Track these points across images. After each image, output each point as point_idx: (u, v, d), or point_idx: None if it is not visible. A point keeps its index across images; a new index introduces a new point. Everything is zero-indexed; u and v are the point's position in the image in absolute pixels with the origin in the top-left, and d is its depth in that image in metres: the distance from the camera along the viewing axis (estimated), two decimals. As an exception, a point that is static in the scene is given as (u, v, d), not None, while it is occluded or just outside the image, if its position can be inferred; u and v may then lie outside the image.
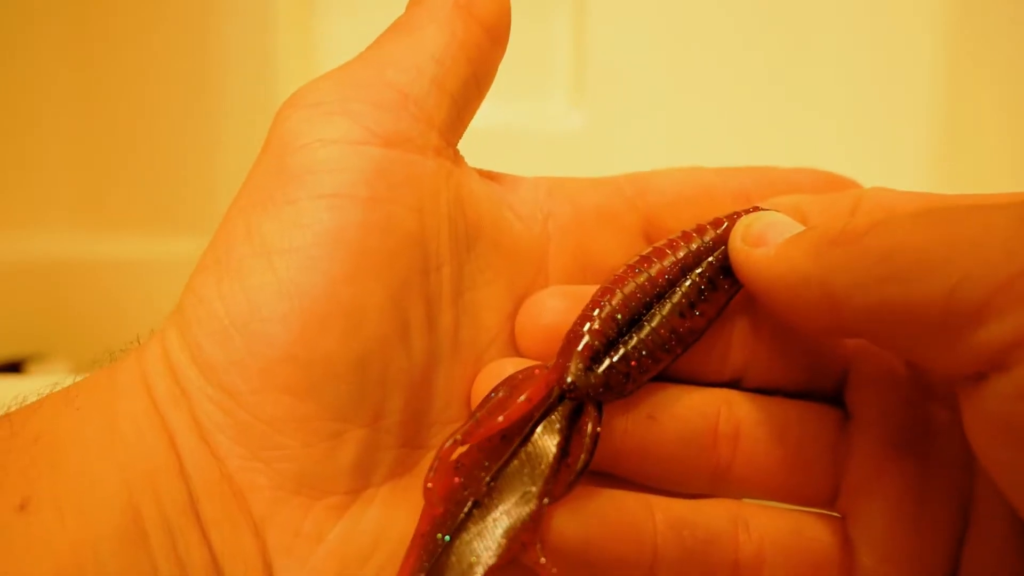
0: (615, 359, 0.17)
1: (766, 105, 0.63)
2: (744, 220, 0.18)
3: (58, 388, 0.18)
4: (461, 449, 0.17)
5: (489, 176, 0.22)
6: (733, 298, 0.19)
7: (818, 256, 0.16)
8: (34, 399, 0.18)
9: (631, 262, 0.19)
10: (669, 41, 0.62)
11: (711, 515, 0.18)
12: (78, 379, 0.18)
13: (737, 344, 0.19)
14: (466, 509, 0.17)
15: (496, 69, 0.21)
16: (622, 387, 0.17)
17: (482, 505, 0.17)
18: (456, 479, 0.17)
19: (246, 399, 0.16)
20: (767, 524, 0.18)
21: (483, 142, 0.69)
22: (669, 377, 0.19)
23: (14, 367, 0.58)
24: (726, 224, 0.19)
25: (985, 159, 0.62)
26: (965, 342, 0.13)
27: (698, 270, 0.18)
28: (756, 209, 0.19)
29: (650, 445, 0.18)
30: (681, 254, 0.19)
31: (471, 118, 0.20)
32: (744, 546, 0.18)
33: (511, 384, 0.18)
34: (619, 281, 0.18)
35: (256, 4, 0.61)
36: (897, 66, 0.62)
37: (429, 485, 0.17)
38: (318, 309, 0.17)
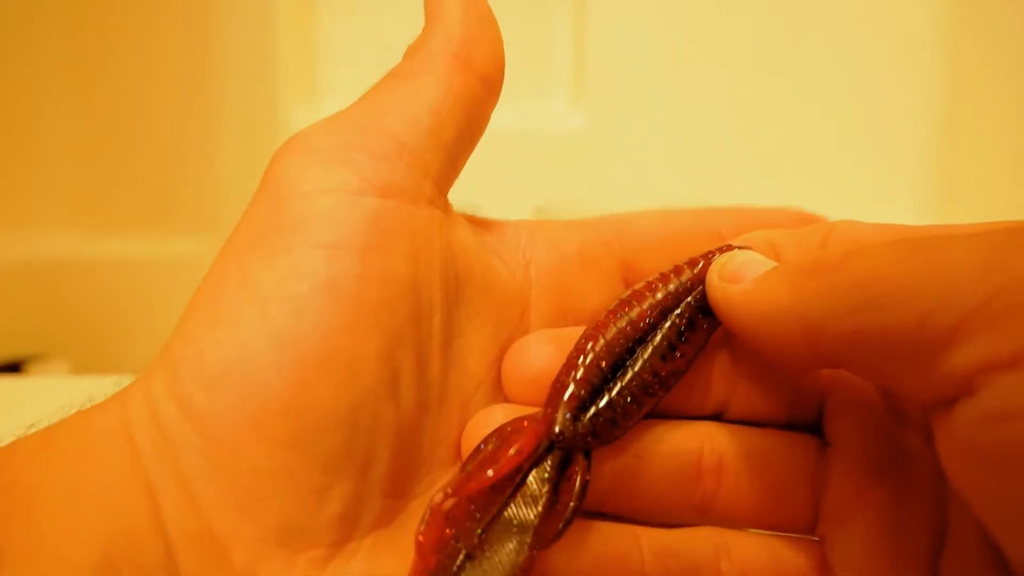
0: (600, 406, 0.18)
1: (766, 105, 0.63)
2: (720, 259, 0.19)
3: (34, 430, 0.17)
4: (451, 501, 0.17)
5: (474, 221, 0.22)
6: (710, 337, 0.19)
7: (793, 288, 0.16)
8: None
9: (612, 307, 0.19)
10: (669, 41, 0.62)
11: (694, 543, 0.19)
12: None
13: (718, 378, 0.19)
14: (458, 561, 0.17)
15: (489, 117, 0.21)
16: (609, 433, 0.18)
17: (474, 557, 0.17)
18: (447, 531, 0.17)
19: (235, 449, 0.16)
20: (748, 550, 0.19)
21: (483, 142, 0.69)
22: (654, 414, 0.19)
23: (14, 367, 0.58)
24: (702, 263, 0.19)
25: (985, 158, 0.62)
26: (936, 368, 0.14)
27: (677, 311, 0.19)
28: (730, 248, 0.19)
29: (637, 483, 0.19)
30: (660, 296, 0.19)
31: (463, 165, 0.21)
32: (726, 572, 0.18)
33: (500, 436, 0.18)
34: (601, 327, 0.19)
35: (256, 4, 0.61)
36: (897, 65, 0.62)
37: (420, 538, 0.17)
38: (313, 360, 0.17)
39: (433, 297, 0.19)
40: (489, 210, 0.44)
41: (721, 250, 0.19)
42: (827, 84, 0.62)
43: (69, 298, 0.60)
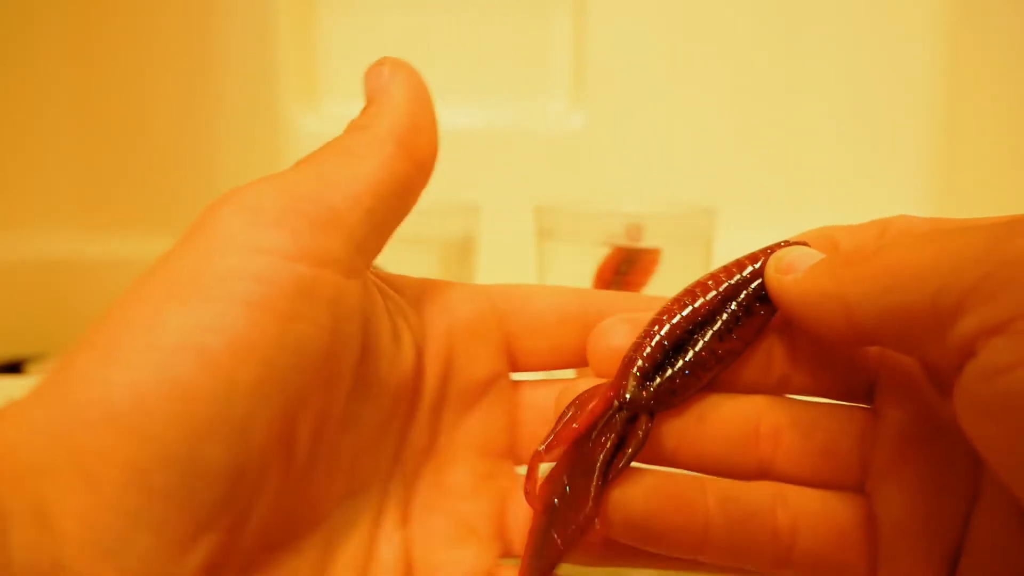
0: (664, 377, 0.21)
1: (766, 105, 0.63)
2: (777, 253, 0.21)
3: None
4: (551, 454, 0.21)
5: (381, 278, 0.23)
6: (768, 322, 0.22)
7: (834, 276, 0.19)
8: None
9: (678, 295, 0.22)
10: (669, 41, 0.62)
11: (754, 492, 0.21)
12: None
13: (778, 359, 0.22)
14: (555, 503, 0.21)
15: (419, 198, 0.22)
16: (669, 400, 0.21)
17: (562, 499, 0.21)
18: (546, 486, 0.21)
19: (110, 492, 0.16)
20: (802, 501, 0.21)
21: (484, 142, 0.69)
22: (718, 387, 0.22)
23: (14, 367, 0.58)
24: (761, 260, 0.22)
25: (985, 157, 0.62)
26: (947, 337, 0.16)
27: (736, 299, 0.22)
28: (788, 244, 0.22)
29: (700, 443, 0.21)
30: (722, 288, 0.22)
31: (389, 238, 0.22)
32: (781, 518, 0.21)
33: (580, 400, 0.21)
34: (668, 311, 0.22)
35: (256, 4, 0.61)
36: (897, 66, 0.62)
37: (536, 491, 0.21)
38: (210, 415, 0.17)
39: (344, 368, 0.19)
40: (489, 210, 0.44)
41: (780, 246, 0.22)
42: (827, 84, 0.62)
43: (69, 298, 0.60)
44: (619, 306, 0.24)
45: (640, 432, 0.21)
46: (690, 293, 0.22)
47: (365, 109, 0.21)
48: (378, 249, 0.21)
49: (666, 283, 0.23)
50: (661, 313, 0.22)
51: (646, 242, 0.40)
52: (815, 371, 0.22)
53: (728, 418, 0.21)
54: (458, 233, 0.38)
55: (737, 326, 0.21)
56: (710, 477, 0.21)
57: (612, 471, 0.20)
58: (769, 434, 0.21)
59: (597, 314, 0.23)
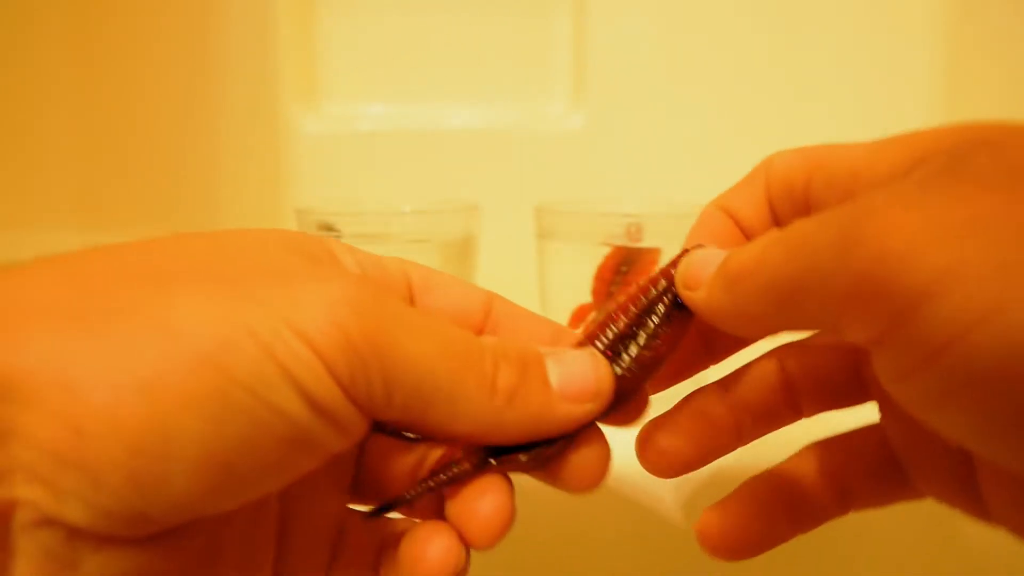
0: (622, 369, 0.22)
1: (766, 105, 0.63)
2: (680, 268, 0.22)
3: None
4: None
5: None
6: (689, 324, 0.23)
7: (730, 292, 0.20)
8: None
9: (600, 320, 0.23)
10: (669, 41, 0.62)
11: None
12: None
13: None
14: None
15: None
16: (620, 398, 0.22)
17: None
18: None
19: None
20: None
21: (484, 142, 0.69)
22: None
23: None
24: (663, 280, 0.23)
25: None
26: (844, 341, 0.17)
27: (654, 313, 0.23)
28: (687, 252, 0.22)
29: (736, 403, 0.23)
30: (637, 307, 0.23)
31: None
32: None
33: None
34: (592, 337, 0.22)
35: (256, 4, 0.61)
36: (898, 67, 0.62)
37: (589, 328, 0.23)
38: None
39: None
40: (489, 209, 0.44)
41: (681, 257, 0.23)
42: (827, 85, 0.62)
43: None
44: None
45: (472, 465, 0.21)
46: (609, 319, 0.23)
47: None
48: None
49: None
50: (586, 338, 0.23)
51: (646, 242, 0.40)
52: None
53: (750, 380, 0.23)
54: (458, 233, 0.38)
55: (659, 335, 0.22)
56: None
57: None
58: (788, 382, 0.23)
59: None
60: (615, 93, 0.62)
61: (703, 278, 0.21)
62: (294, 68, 0.62)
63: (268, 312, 0.16)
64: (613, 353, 0.22)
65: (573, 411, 0.20)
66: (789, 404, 0.24)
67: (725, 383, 0.24)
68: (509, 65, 0.63)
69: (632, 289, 0.23)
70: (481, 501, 0.20)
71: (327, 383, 0.16)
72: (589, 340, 0.22)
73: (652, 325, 0.22)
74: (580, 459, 0.20)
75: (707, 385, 0.24)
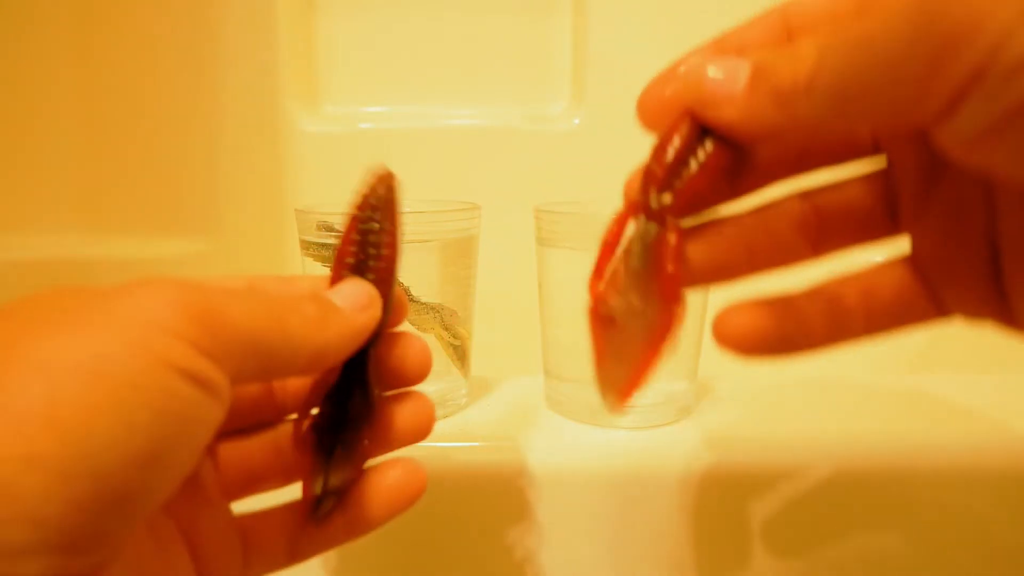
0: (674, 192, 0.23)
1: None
2: (695, 83, 0.21)
3: None
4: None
5: None
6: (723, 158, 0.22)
7: (783, 107, 0.19)
8: None
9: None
10: (669, 41, 0.62)
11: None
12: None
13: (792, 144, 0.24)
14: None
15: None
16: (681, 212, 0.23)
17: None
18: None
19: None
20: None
21: (483, 142, 0.69)
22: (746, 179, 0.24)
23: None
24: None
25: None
26: (934, 84, 0.17)
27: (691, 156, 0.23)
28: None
29: (757, 238, 0.24)
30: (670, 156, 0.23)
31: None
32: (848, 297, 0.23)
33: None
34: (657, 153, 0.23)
35: (256, 5, 0.61)
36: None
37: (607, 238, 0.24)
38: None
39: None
40: (489, 209, 0.44)
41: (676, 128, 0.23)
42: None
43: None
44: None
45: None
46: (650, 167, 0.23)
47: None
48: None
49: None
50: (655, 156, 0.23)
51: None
52: (815, 148, 0.24)
53: (774, 215, 0.23)
54: (458, 233, 0.38)
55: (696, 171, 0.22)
56: None
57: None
58: (809, 216, 0.23)
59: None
60: (615, 93, 0.62)
61: (733, 92, 0.20)
62: (294, 68, 0.63)
63: (128, 326, 0.19)
64: (665, 181, 0.22)
65: (360, 318, 0.24)
66: (808, 239, 0.24)
67: (748, 211, 0.24)
68: (509, 65, 0.63)
69: (660, 138, 0.23)
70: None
71: (197, 358, 0.19)
72: (647, 185, 0.23)
73: (697, 159, 0.22)
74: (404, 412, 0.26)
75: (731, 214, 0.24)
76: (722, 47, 0.25)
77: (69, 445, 0.17)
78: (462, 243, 0.38)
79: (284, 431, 0.27)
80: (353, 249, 0.26)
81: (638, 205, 0.23)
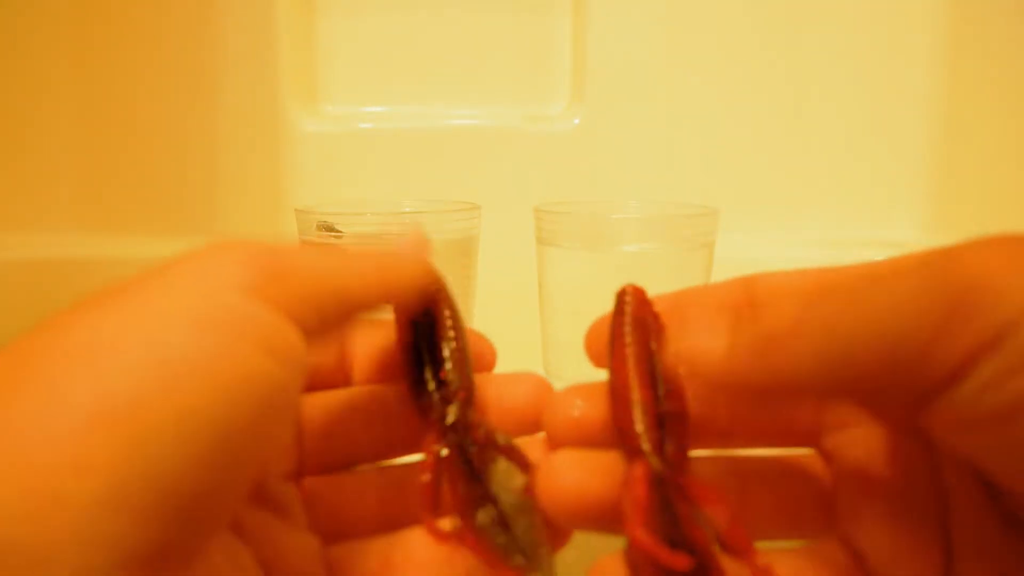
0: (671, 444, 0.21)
1: (766, 106, 0.63)
2: (673, 345, 0.21)
3: None
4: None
5: None
6: None
7: (764, 358, 0.18)
8: None
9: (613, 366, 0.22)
10: (669, 41, 0.62)
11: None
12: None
13: (720, 414, 0.22)
14: None
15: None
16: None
17: None
18: None
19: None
20: (795, 560, 0.21)
21: (484, 142, 0.69)
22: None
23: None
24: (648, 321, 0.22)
25: (985, 159, 0.62)
26: (924, 370, 0.16)
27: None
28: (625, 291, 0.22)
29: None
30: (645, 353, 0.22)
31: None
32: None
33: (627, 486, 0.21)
34: (621, 383, 0.22)
35: (256, 5, 0.61)
36: (899, 68, 0.62)
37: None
38: (209, 441, 0.16)
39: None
40: (489, 209, 0.44)
41: (623, 295, 0.22)
42: (828, 85, 0.62)
43: (69, 298, 0.60)
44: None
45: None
46: (623, 363, 0.22)
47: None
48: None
49: (667, 283, 0.23)
50: (618, 384, 0.21)
51: (641, 246, 0.40)
52: (757, 423, 0.22)
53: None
54: (458, 233, 0.38)
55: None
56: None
57: None
58: (736, 489, 0.22)
59: None
60: (615, 93, 0.62)
61: (709, 341, 0.19)
62: (294, 68, 0.62)
63: (189, 292, 0.17)
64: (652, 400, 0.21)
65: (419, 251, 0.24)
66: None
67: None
68: (509, 65, 0.63)
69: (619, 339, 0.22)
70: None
71: (271, 321, 0.17)
72: (622, 387, 0.21)
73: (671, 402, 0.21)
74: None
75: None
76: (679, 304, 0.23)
77: (124, 446, 0.14)
78: (462, 243, 0.38)
79: (382, 475, 0.25)
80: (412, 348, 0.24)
81: (649, 470, 0.20)
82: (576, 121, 0.63)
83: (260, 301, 0.17)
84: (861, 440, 0.21)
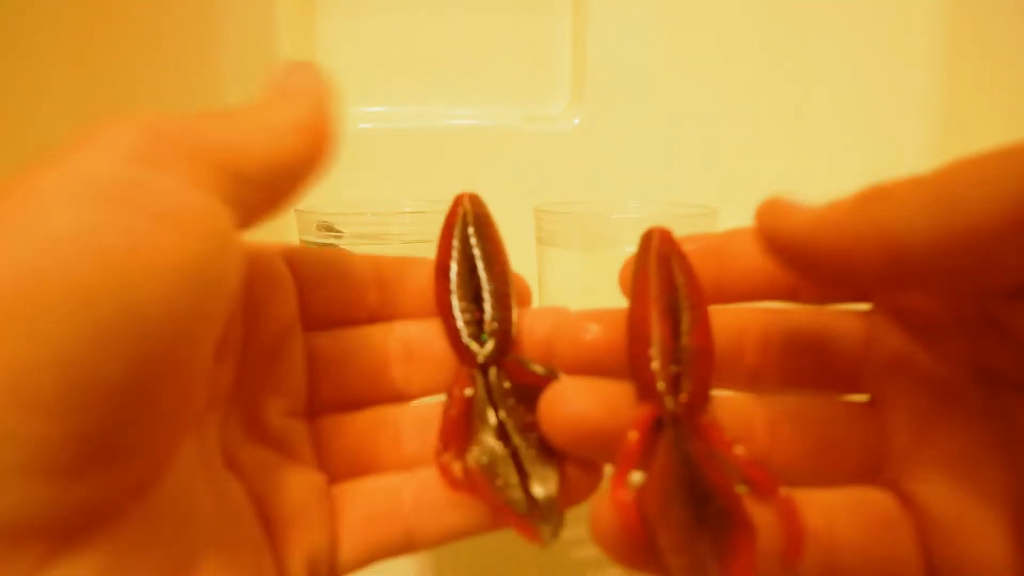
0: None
1: (766, 106, 0.63)
2: (768, 201, 0.19)
3: None
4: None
5: None
6: None
7: (868, 208, 0.16)
8: None
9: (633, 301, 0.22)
10: (669, 41, 0.62)
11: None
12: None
13: (749, 353, 0.21)
14: None
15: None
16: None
17: None
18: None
19: None
20: (829, 500, 0.19)
21: (483, 142, 0.69)
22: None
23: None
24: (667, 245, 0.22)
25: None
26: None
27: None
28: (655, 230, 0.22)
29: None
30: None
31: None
32: (813, 520, 0.19)
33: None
34: (640, 318, 0.21)
35: (256, 4, 0.61)
36: (899, 67, 0.62)
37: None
38: (111, 322, 0.14)
39: (230, 301, 0.18)
40: (489, 209, 0.44)
41: (654, 233, 0.23)
42: (828, 85, 0.62)
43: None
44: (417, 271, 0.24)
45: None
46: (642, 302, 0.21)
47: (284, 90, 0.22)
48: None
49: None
50: (636, 318, 0.21)
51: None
52: (789, 363, 0.21)
53: (722, 416, 0.20)
54: (458, 233, 0.38)
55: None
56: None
57: None
58: (764, 429, 0.20)
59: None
60: (615, 93, 0.62)
61: (803, 208, 0.17)
62: (294, 68, 0.62)
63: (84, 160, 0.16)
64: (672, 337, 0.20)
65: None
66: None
67: None
68: (509, 65, 0.63)
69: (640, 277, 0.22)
70: None
71: (168, 180, 0.16)
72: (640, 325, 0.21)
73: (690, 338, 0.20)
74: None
75: None
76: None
77: (14, 334, 0.13)
78: (462, 243, 0.38)
79: (397, 412, 0.24)
80: (456, 256, 0.25)
81: (654, 414, 0.20)
82: (576, 121, 0.63)
83: (156, 169, 0.16)
84: (918, 380, 0.20)
